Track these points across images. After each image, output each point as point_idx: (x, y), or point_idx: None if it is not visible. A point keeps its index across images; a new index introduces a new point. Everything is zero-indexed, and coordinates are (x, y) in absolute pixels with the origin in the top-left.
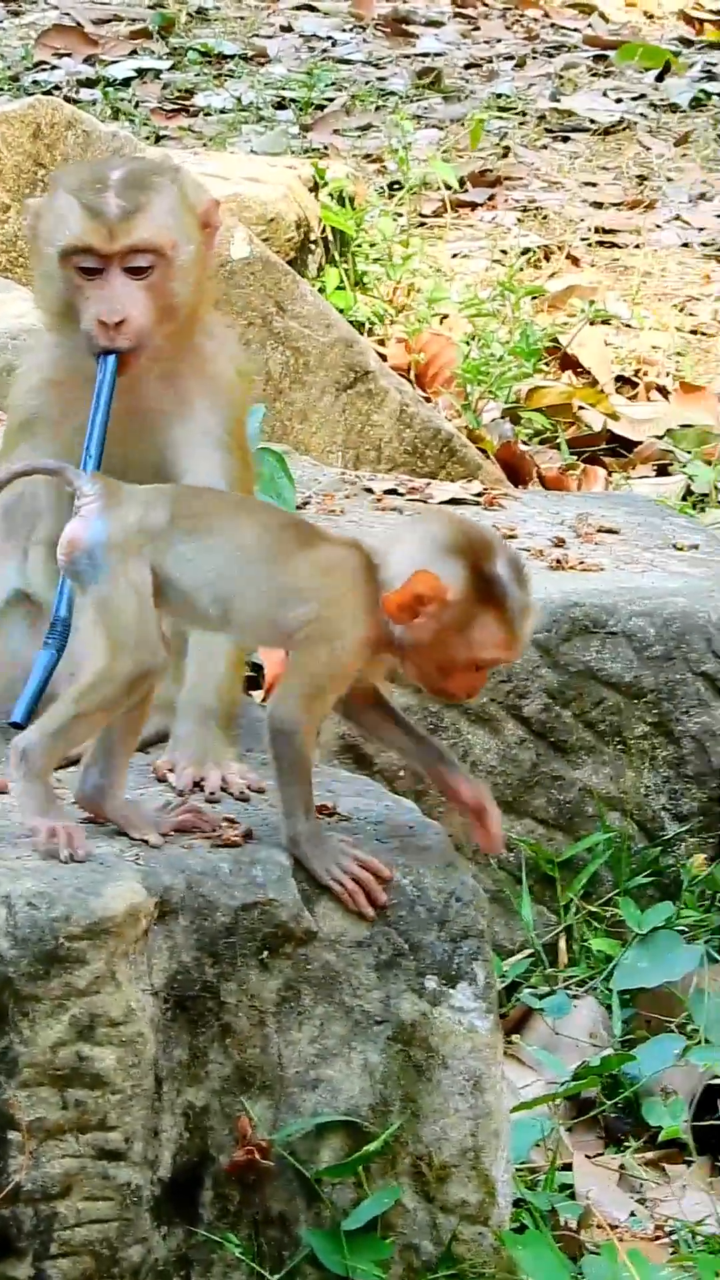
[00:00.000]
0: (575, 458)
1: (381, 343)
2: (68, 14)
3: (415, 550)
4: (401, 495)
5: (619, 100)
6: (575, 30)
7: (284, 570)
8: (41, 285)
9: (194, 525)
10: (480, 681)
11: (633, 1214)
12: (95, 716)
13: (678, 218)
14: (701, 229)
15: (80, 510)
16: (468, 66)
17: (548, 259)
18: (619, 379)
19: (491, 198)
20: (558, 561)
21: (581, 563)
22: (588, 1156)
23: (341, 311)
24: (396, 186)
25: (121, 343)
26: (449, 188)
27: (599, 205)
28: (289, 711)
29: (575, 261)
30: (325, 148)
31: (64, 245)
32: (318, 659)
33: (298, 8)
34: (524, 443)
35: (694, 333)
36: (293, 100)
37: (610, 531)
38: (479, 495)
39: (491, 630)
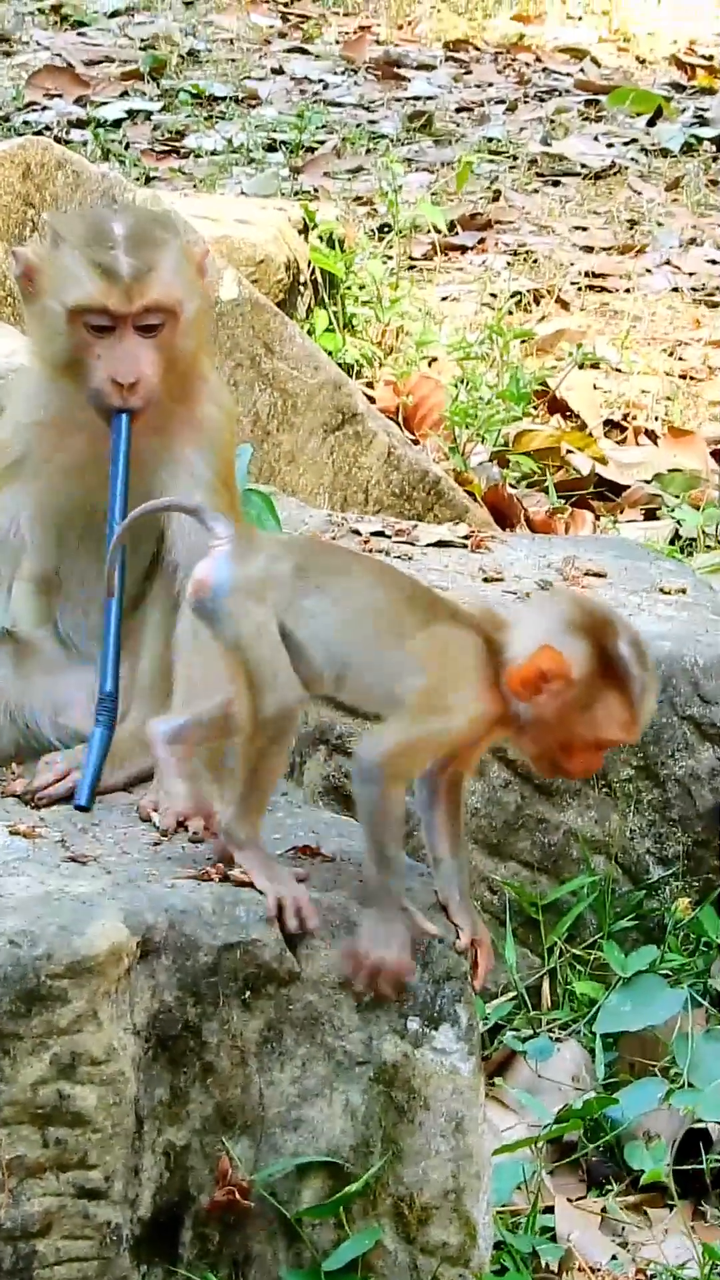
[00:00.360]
0: (563, 501)
1: (370, 385)
2: (59, 55)
3: (541, 627)
4: (389, 537)
5: (610, 145)
6: (567, 75)
7: (403, 642)
8: (44, 339)
9: (320, 582)
10: (598, 761)
11: (614, 1257)
12: (269, 761)
13: (668, 262)
14: (691, 274)
15: (211, 552)
16: (459, 110)
17: (537, 303)
18: (607, 423)
19: (481, 241)
20: None
21: None
22: (569, 1199)
23: (330, 354)
24: (386, 229)
25: (135, 402)
26: (439, 231)
27: (589, 249)
28: (373, 759)
29: (565, 305)
30: (315, 190)
31: (75, 304)
32: (424, 725)
33: (289, 50)
34: (512, 486)
35: (683, 377)
36: (283, 142)
37: (597, 575)
38: (466, 538)
39: (614, 709)
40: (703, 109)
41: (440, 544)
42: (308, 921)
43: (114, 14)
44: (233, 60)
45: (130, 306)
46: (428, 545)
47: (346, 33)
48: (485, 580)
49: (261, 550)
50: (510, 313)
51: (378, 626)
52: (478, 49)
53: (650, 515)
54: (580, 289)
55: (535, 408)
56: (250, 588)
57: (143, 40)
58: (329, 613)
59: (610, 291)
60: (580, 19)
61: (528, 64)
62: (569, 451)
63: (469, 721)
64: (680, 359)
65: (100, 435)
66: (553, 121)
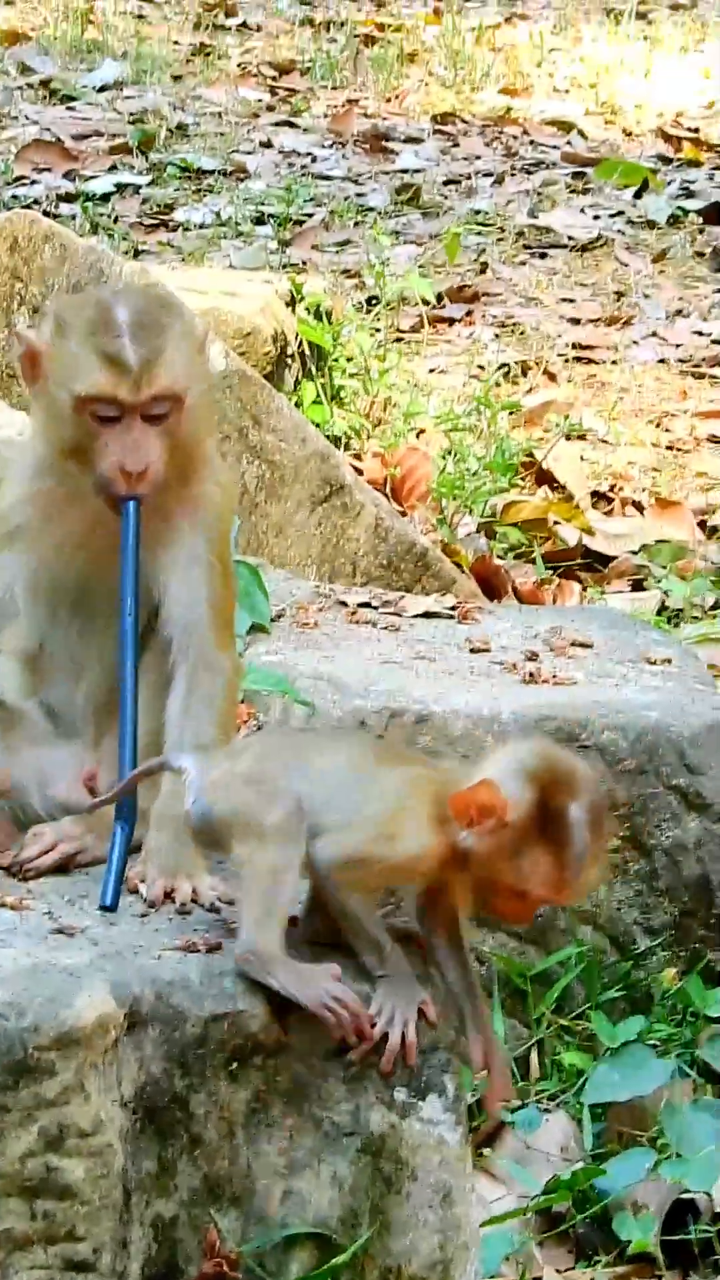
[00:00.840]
0: (550, 572)
1: (358, 457)
2: (48, 129)
3: (498, 762)
4: (375, 609)
5: (597, 217)
6: (554, 147)
7: (367, 780)
8: (49, 423)
9: (284, 760)
10: (527, 912)
11: None
12: (281, 879)
13: (654, 334)
14: (678, 345)
15: (186, 788)
16: (447, 183)
17: (525, 374)
18: (594, 494)
19: (469, 313)
20: (531, 675)
21: (554, 676)
22: (558, 1271)
23: (318, 425)
24: (374, 301)
25: (143, 489)
26: (426, 303)
27: (576, 321)
28: (323, 862)
29: (552, 377)
30: (304, 263)
31: (83, 394)
32: (371, 846)
33: (278, 124)
34: (499, 557)
35: (670, 448)
36: (271, 215)
37: (584, 645)
38: (453, 609)
39: (542, 866)
40: (689, 181)
41: (427, 615)
42: (365, 1031)
43: (103, 88)
44: (221, 134)
45: (139, 397)
46: (415, 616)
47: (334, 106)
48: (472, 651)
49: (219, 760)
50: (497, 384)
51: (345, 777)
52: (465, 122)
53: (638, 586)
54: (567, 361)
55: (522, 479)
56: (217, 785)
57: (131, 114)
58: (295, 778)
59: (597, 363)
60: (568, 92)
61: (515, 137)
62: (556, 523)
63: (418, 852)
64: (667, 430)
65: (98, 514)
66: (540, 194)
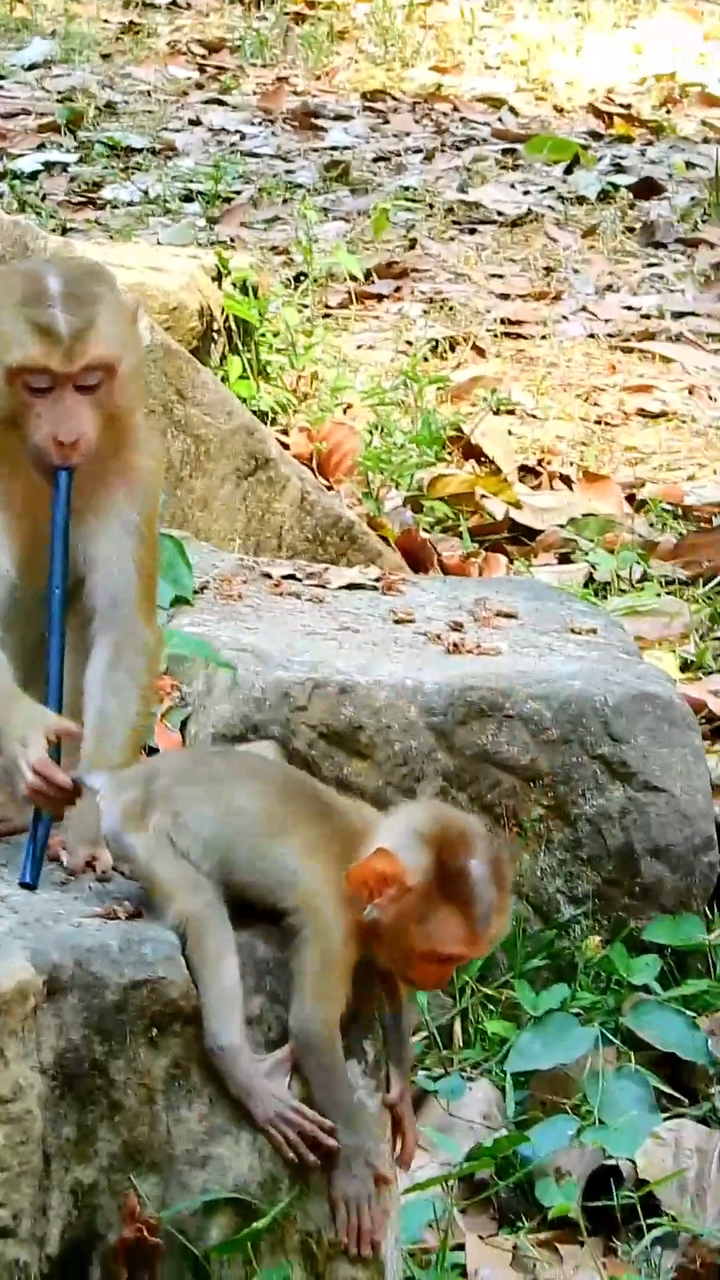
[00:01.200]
0: (477, 546)
1: (284, 432)
2: None
3: (390, 831)
4: (300, 580)
5: (527, 193)
6: (485, 124)
7: (272, 846)
8: None
9: (194, 789)
10: (445, 974)
11: None
12: (223, 965)
13: (584, 309)
14: (607, 320)
15: (100, 807)
16: (376, 160)
17: (453, 350)
18: (522, 468)
19: (398, 289)
20: (455, 645)
21: (479, 646)
22: (480, 1237)
23: (244, 400)
24: (303, 278)
25: (76, 459)
26: (355, 279)
27: (505, 297)
28: (308, 1020)
29: (481, 352)
30: (232, 240)
31: (14, 365)
32: (313, 959)
33: (207, 102)
34: (426, 531)
35: (598, 423)
36: (200, 193)
37: (508, 616)
38: (377, 580)
39: (451, 925)
40: (620, 157)
41: (352, 587)
42: (324, 1143)
43: (31, 67)
44: (150, 112)
45: (71, 367)
46: (339, 588)
47: (264, 84)
48: (396, 622)
49: (131, 780)
50: (426, 359)
51: (248, 826)
52: (395, 99)
53: (565, 559)
54: (496, 336)
55: (450, 453)
56: (133, 816)
57: (60, 93)
58: (206, 816)
59: (526, 338)
60: (499, 68)
61: (445, 114)
62: (483, 496)
63: (347, 931)
64: (595, 405)
65: (34, 485)
66: (470, 170)
